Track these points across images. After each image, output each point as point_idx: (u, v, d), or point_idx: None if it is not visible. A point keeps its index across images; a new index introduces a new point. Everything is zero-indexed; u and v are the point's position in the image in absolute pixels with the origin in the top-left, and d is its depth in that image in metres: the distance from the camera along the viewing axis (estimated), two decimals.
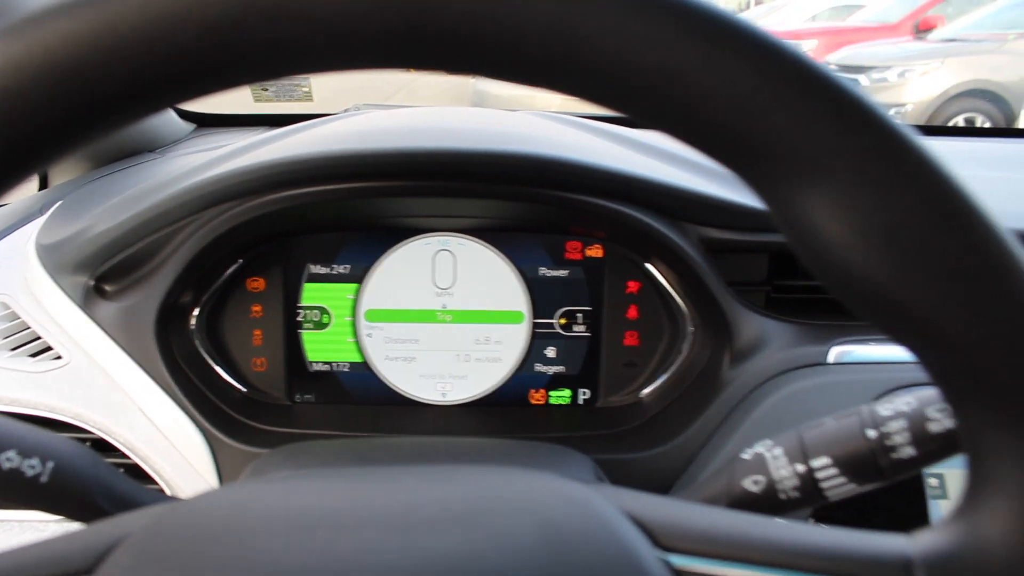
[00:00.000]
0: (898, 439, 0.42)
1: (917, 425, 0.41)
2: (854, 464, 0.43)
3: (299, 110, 1.17)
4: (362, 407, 0.74)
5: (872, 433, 0.43)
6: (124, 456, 0.66)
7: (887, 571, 0.28)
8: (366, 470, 0.34)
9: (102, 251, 0.68)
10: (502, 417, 0.73)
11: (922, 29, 6.95)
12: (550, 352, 0.74)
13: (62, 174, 1.00)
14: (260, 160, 0.64)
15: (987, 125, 5.83)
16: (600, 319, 0.73)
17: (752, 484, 0.45)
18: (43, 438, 0.45)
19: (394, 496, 0.30)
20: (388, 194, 0.65)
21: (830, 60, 6.54)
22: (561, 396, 0.75)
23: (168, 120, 1.11)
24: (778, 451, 0.45)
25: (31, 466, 0.44)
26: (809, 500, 0.45)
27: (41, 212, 0.82)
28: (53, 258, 0.70)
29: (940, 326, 0.25)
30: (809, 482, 0.44)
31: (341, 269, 0.73)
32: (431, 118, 0.77)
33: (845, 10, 8.64)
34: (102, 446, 0.66)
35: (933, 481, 0.65)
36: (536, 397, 0.75)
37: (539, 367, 0.74)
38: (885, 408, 0.43)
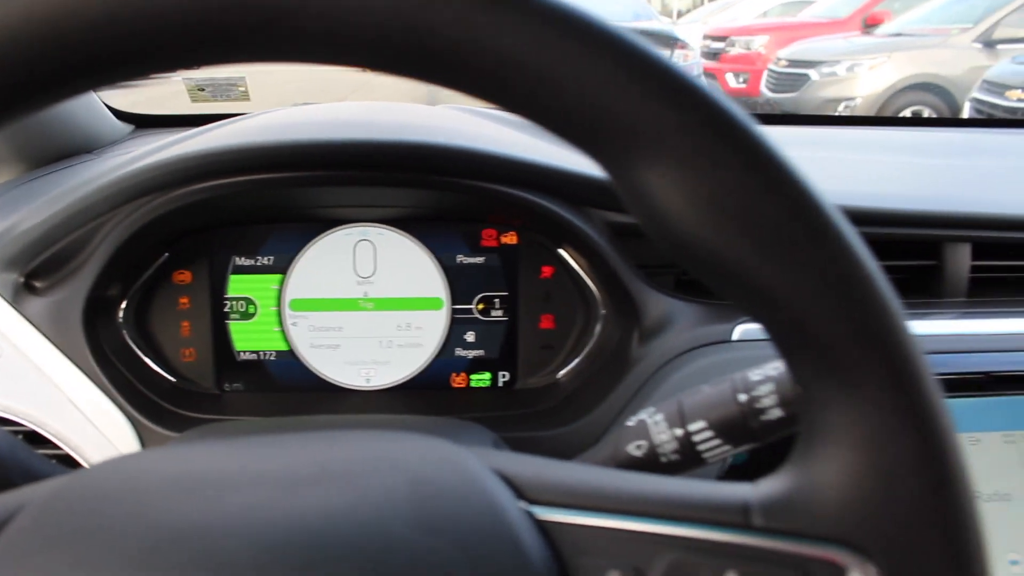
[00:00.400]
0: (766, 402, 0.44)
1: (783, 388, 0.43)
2: (727, 427, 0.46)
3: (237, 110, 1.19)
4: (289, 394, 0.77)
5: (743, 397, 0.46)
6: (57, 447, 0.68)
7: (727, 515, 0.30)
8: (258, 437, 0.36)
9: (30, 248, 0.70)
10: (425, 400, 0.76)
11: (870, 24, 7.09)
12: (469, 337, 0.77)
13: None
14: (175, 153, 0.67)
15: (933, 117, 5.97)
16: (517, 304, 0.77)
17: (635, 449, 0.48)
18: None
19: (279, 458, 0.33)
20: (304, 184, 0.68)
21: (781, 55, 6.65)
22: (481, 379, 0.78)
23: (105, 121, 1.12)
24: (659, 417, 0.48)
25: None
26: (688, 463, 0.47)
27: None
28: None
29: (766, 286, 0.28)
30: (687, 445, 0.46)
31: (265, 260, 0.75)
32: (351, 112, 0.80)
33: (795, 6, 8.78)
34: (35, 438, 0.67)
35: None
36: (457, 380, 0.78)
37: (459, 351, 0.77)
38: (755, 374, 0.46)
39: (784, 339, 0.30)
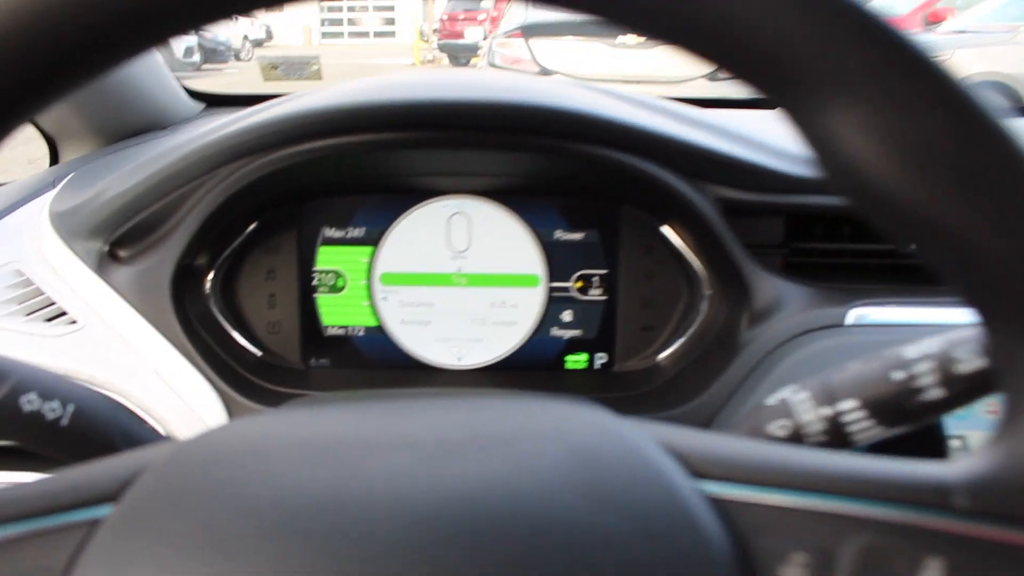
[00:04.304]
0: (925, 381, 0.42)
1: (945, 366, 0.41)
2: (880, 407, 0.43)
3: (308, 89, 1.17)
4: (377, 371, 0.74)
5: (898, 375, 0.42)
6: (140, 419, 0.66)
7: (923, 496, 0.27)
8: (389, 402, 0.33)
9: (116, 215, 0.68)
10: (518, 381, 0.73)
11: (931, 22, 6.95)
12: (566, 316, 0.74)
13: (73, 151, 1.01)
14: (272, 115, 0.64)
15: None
16: (616, 283, 0.73)
17: (778, 429, 0.45)
18: (64, 382, 0.45)
19: (420, 422, 0.30)
20: (402, 146, 0.65)
21: None
22: (577, 360, 0.74)
23: (178, 100, 1.12)
24: (803, 395, 0.45)
25: (52, 409, 0.43)
26: (836, 445, 0.44)
27: (54, 184, 0.82)
28: (67, 224, 0.70)
29: (971, 242, 0.25)
30: (835, 426, 0.43)
31: (356, 232, 0.73)
32: (453, 75, 0.77)
33: None
34: None
35: (956, 443, 0.65)
36: (553, 362, 0.74)
37: (555, 331, 0.74)
38: (910, 351, 0.43)
39: (986, 301, 0.27)
